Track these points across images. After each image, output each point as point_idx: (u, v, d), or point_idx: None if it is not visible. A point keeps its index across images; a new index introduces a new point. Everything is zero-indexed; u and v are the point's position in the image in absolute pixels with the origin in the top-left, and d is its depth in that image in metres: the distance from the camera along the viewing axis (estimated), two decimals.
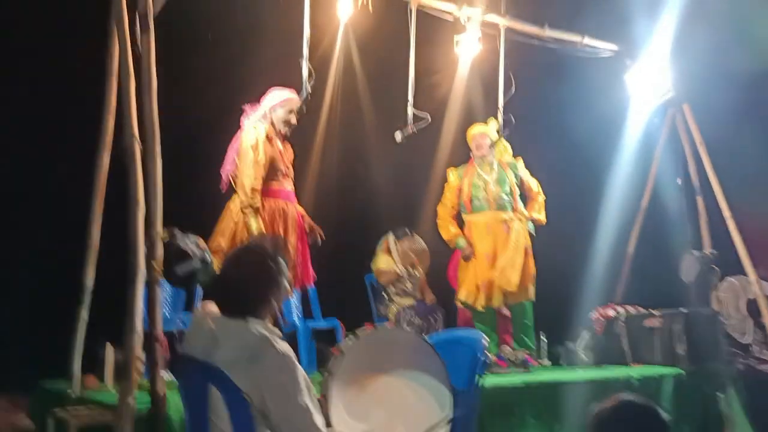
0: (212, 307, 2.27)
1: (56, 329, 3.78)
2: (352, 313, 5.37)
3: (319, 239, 4.33)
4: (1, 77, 4.27)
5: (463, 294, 5.13)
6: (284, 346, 2.12)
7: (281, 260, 2.29)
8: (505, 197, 5.06)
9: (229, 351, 2.11)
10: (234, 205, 4.01)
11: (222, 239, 3.92)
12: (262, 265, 2.25)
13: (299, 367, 2.11)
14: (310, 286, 4.49)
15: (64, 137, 4.52)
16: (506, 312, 5.24)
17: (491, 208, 5.07)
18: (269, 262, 2.25)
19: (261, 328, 2.16)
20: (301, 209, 4.31)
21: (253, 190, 3.90)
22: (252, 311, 2.21)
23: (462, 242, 5.14)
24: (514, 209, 5.08)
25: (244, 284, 2.23)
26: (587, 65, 5.56)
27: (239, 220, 3.94)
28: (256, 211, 3.90)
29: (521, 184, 5.17)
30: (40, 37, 4.45)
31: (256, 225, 3.87)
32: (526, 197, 5.26)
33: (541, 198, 5.20)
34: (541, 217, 5.17)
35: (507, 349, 5.10)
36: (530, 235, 5.10)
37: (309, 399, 2.08)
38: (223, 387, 2.05)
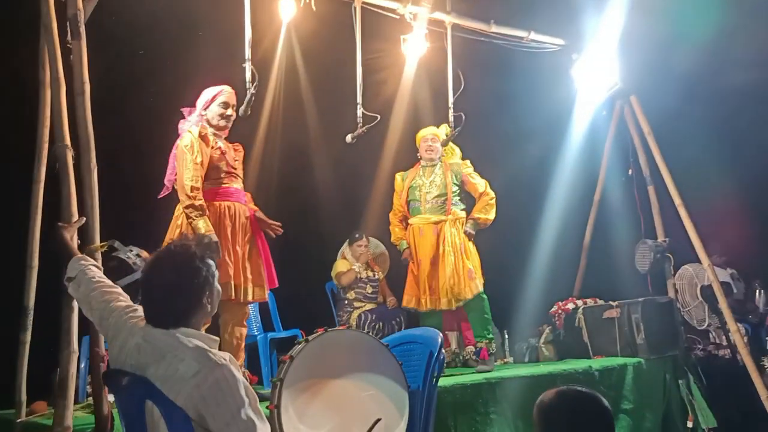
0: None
1: (3, 354, 3.61)
2: (314, 322, 5.25)
3: (273, 234, 4.10)
4: None
5: (405, 298, 5.09)
6: (221, 356, 1.98)
7: (210, 260, 2.12)
8: (438, 200, 4.98)
9: (162, 367, 1.96)
10: (178, 212, 3.83)
11: None
12: (189, 268, 2.05)
13: (240, 377, 1.97)
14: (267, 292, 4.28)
15: None
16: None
17: (423, 210, 5.02)
18: (197, 263, 2.07)
19: (194, 338, 2.02)
20: (253, 207, 4.09)
21: (193, 188, 3.71)
22: (183, 319, 2.05)
23: (404, 245, 5.12)
24: (446, 211, 4.96)
25: (170, 290, 2.04)
26: (534, 60, 5.58)
27: (183, 223, 3.74)
28: (201, 210, 3.71)
29: (463, 186, 5.06)
30: None
31: (204, 226, 3.66)
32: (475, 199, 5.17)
33: (489, 197, 5.05)
34: (486, 216, 5.02)
35: (469, 348, 5.08)
36: (469, 234, 4.94)
37: (252, 410, 1.94)
38: (160, 402, 1.93)
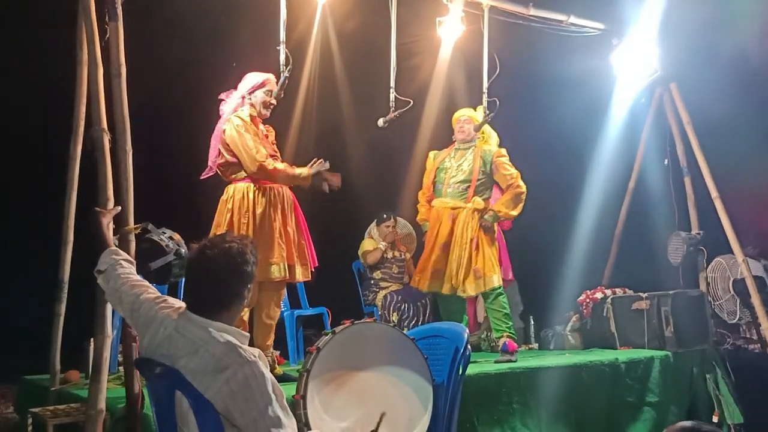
0: None
1: (42, 323, 3.72)
2: (341, 301, 5.33)
3: (336, 186, 4.08)
4: None
5: (414, 278, 5.01)
6: (251, 352, 2.01)
7: (256, 255, 2.17)
8: (460, 186, 4.85)
9: (194, 360, 2.00)
10: (227, 195, 3.88)
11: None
12: (244, 256, 2.09)
13: (267, 374, 2.00)
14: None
15: (37, 129, 4.43)
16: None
17: (444, 194, 4.90)
18: (249, 254, 2.11)
19: (226, 333, 2.05)
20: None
21: (267, 156, 3.78)
22: (225, 308, 2.09)
23: (426, 226, 5.06)
24: (467, 199, 4.82)
25: (222, 276, 2.07)
26: (573, 45, 5.46)
27: (234, 207, 3.80)
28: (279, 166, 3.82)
29: (492, 174, 4.85)
30: (8, 27, 4.34)
31: (302, 169, 3.84)
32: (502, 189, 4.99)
33: (519, 191, 4.78)
34: (508, 210, 4.77)
35: (494, 335, 5.06)
36: (485, 226, 4.72)
37: (279, 407, 1.98)
38: (190, 394, 1.97)
